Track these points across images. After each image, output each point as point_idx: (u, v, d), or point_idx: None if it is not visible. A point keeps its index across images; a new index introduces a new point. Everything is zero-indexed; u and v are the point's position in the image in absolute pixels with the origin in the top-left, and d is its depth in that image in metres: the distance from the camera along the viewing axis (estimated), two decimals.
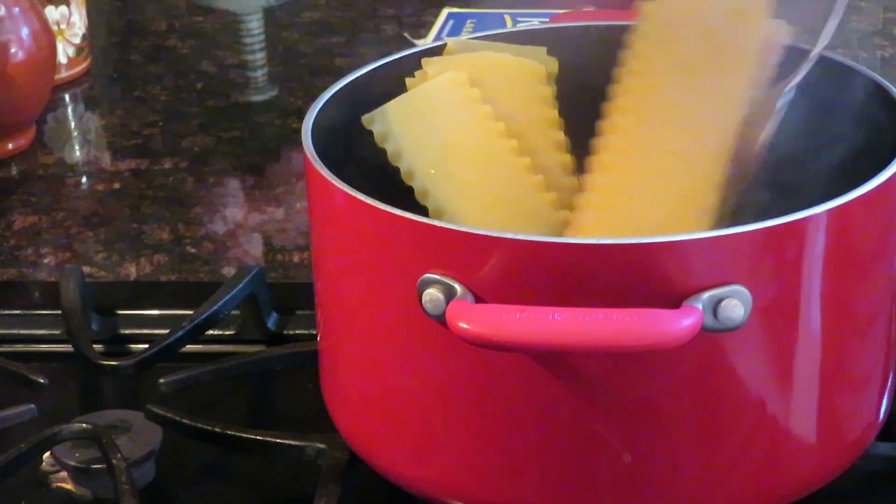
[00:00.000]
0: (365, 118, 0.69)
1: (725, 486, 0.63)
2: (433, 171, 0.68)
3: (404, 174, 0.68)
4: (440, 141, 0.69)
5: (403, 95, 0.70)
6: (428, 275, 0.59)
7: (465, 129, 0.69)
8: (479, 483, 0.63)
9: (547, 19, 1.02)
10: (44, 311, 0.87)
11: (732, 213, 0.67)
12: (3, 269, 0.95)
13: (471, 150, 0.69)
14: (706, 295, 0.58)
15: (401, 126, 0.68)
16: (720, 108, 0.67)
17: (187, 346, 0.81)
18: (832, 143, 0.70)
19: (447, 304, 0.59)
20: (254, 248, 0.97)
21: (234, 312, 0.84)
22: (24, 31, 1.09)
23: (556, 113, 0.72)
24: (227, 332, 0.85)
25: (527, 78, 0.72)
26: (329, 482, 0.69)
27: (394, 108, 0.69)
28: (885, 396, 0.68)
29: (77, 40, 1.24)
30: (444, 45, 0.74)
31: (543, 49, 0.74)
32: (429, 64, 0.72)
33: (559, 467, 0.62)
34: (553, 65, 0.74)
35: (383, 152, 0.69)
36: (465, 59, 0.72)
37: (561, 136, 0.72)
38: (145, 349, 0.81)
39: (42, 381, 0.78)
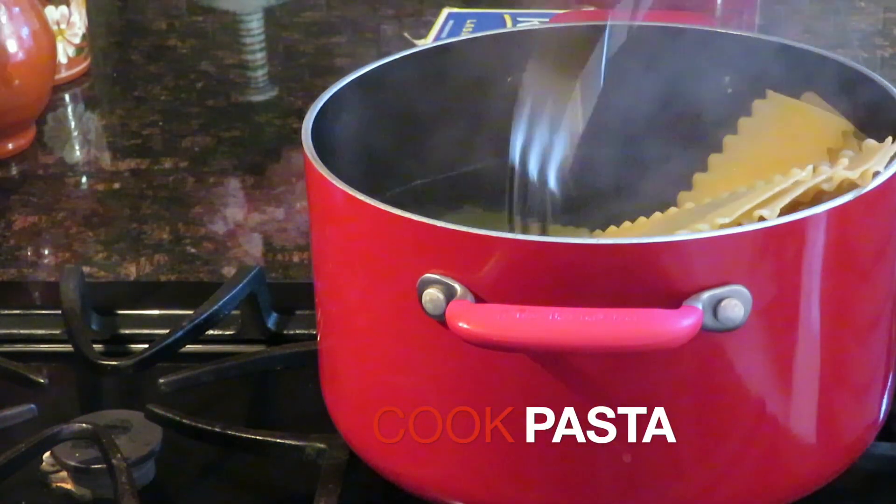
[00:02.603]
0: None
1: (725, 485, 0.63)
2: None
3: None
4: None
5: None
6: (428, 275, 0.59)
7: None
8: (479, 483, 0.63)
9: (547, 19, 1.02)
10: (44, 311, 0.86)
11: None
12: (3, 269, 0.95)
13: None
14: (706, 295, 0.58)
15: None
16: None
17: (187, 346, 0.81)
18: None
19: (447, 304, 0.59)
20: (254, 248, 0.97)
21: (234, 312, 0.84)
22: (24, 31, 1.09)
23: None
24: (227, 332, 0.85)
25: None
26: (329, 482, 0.69)
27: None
28: (885, 396, 0.68)
29: (77, 40, 1.24)
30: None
31: (844, 122, 0.71)
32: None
33: (559, 467, 0.62)
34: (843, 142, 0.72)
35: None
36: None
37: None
38: (145, 349, 0.80)
39: (42, 381, 0.78)
